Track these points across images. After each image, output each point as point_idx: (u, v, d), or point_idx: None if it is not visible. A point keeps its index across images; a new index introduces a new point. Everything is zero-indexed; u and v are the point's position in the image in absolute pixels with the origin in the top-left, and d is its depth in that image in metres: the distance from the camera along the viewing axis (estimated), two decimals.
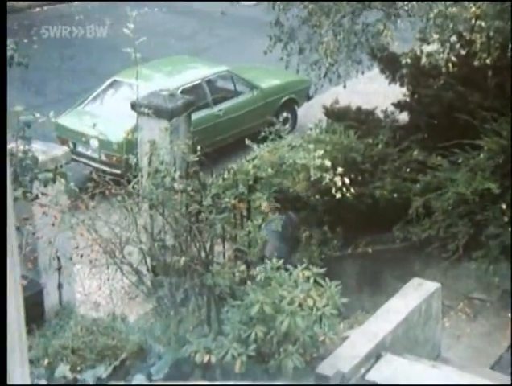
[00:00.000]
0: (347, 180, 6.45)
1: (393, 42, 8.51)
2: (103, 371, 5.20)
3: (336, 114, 9.15)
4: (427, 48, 8.14)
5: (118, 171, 6.59)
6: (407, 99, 9.03)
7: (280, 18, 8.69)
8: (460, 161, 7.89)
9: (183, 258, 5.47)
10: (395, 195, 8.00)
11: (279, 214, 6.13)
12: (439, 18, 7.34)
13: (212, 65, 11.61)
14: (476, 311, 7.80)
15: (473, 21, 7.27)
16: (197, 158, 6.05)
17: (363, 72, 9.14)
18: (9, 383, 1.37)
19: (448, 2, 7.20)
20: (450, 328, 7.52)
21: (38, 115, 5.09)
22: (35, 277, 6.48)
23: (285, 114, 11.80)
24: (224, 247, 6.75)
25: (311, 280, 5.20)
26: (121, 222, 5.76)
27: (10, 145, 4.73)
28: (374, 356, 5.46)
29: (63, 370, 5.15)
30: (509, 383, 5.58)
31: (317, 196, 7.88)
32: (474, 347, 7.35)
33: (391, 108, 9.18)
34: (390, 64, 8.99)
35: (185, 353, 5.08)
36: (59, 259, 6.47)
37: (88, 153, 10.32)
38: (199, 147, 6.16)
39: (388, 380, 5.26)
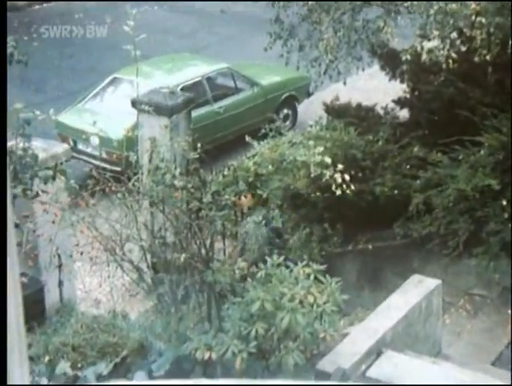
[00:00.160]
0: (347, 177, 6.45)
1: (393, 38, 8.49)
2: (104, 368, 5.20)
3: (336, 111, 9.14)
4: (428, 45, 8.13)
5: (119, 169, 6.59)
6: (408, 95, 9.02)
7: (280, 15, 8.68)
8: (460, 157, 7.89)
9: (183, 255, 5.47)
10: (396, 192, 7.99)
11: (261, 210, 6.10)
12: (440, 15, 7.33)
13: (213, 62, 11.60)
14: (476, 308, 7.81)
15: (473, 17, 7.26)
16: (197, 155, 6.06)
17: (363, 69, 9.13)
18: (9, 382, 1.37)
19: None
20: (451, 325, 7.52)
21: (38, 112, 5.09)
22: (35, 274, 6.49)
23: (285, 111, 11.80)
24: (224, 244, 6.76)
25: (312, 277, 5.20)
26: (122, 219, 5.77)
27: (10, 143, 4.73)
28: (375, 353, 5.47)
29: (63, 367, 5.16)
30: (510, 380, 5.58)
31: (317, 193, 7.87)
32: (475, 344, 7.35)
33: (391, 105, 9.17)
34: (390, 61, 8.98)
35: (186, 350, 5.09)
36: (59, 256, 6.47)
37: (89, 150, 10.32)
38: (199, 144, 6.16)
39: (389, 377, 5.27)
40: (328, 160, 6.31)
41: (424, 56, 8.05)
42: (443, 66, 7.90)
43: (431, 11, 7.37)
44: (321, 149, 6.41)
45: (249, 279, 5.38)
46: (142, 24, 6.38)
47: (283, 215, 7.32)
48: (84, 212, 5.63)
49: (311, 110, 11.33)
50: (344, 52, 8.47)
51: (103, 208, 5.90)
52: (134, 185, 5.78)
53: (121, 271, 5.86)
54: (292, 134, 7.64)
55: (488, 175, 7.52)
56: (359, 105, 9.23)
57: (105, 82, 11.02)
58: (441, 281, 6.31)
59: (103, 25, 13.16)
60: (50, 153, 6.29)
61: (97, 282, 7.23)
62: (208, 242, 5.74)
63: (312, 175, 6.55)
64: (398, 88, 9.20)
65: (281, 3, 8.49)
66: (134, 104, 7.77)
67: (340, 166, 6.38)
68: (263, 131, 7.32)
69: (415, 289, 6.09)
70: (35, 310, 6.16)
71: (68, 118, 10.57)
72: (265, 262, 5.31)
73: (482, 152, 7.77)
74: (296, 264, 5.34)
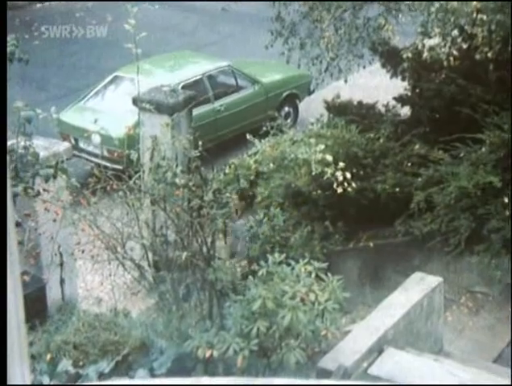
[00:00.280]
0: (348, 175, 6.46)
1: (394, 36, 8.49)
2: (105, 366, 5.21)
3: (337, 109, 9.13)
4: (429, 42, 8.12)
5: (120, 167, 6.59)
6: (409, 93, 9.00)
7: (281, 13, 8.68)
8: (461, 155, 7.88)
9: (184, 253, 5.47)
10: (397, 190, 7.99)
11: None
12: (441, 12, 7.32)
13: (214, 60, 11.59)
14: (478, 305, 7.81)
15: (475, 15, 7.24)
16: (198, 154, 6.06)
17: (364, 67, 9.13)
18: (9, 382, 1.37)
19: None
20: (452, 322, 7.52)
21: (39, 111, 5.09)
22: (37, 272, 6.49)
23: (286, 109, 11.79)
24: (225, 242, 6.76)
25: (313, 274, 5.20)
26: (123, 217, 5.77)
27: (11, 141, 4.73)
28: (376, 350, 5.47)
29: (65, 365, 5.16)
30: (511, 379, 5.57)
31: (319, 191, 7.87)
32: (476, 341, 7.35)
33: (393, 103, 9.16)
34: (391, 58, 8.96)
35: (187, 348, 5.09)
36: (61, 254, 6.48)
37: (90, 148, 10.32)
38: (200, 142, 6.16)
39: (390, 374, 5.27)
40: (330, 158, 6.32)
41: (425, 54, 8.04)
42: (445, 63, 7.89)
43: (432, 9, 7.36)
44: (322, 147, 6.42)
45: (250, 277, 5.38)
46: (143, 22, 6.38)
47: (285, 213, 7.33)
48: (85, 210, 5.63)
49: (312, 108, 11.32)
50: (345, 50, 8.47)
51: (104, 206, 5.90)
52: (135, 183, 5.79)
53: (122, 269, 5.87)
54: (293, 132, 7.65)
55: (489, 173, 7.51)
56: (360, 103, 9.23)
57: (106, 80, 11.02)
58: (443, 278, 6.31)
59: (104, 23, 13.16)
60: (51, 152, 6.29)
61: (99, 280, 7.25)
62: (209, 240, 5.75)
63: (313, 173, 6.56)
64: (399, 86, 9.19)
65: (282, 1, 8.49)
66: (135, 102, 7.76)
67: (341, 164, 6.39)
68: (264, 129, 7.32)
69: (417, 287, 6.09)
70: (36, 308, 6.17)
71: (70, 116, 10.58)
72: (266, 260, 5.32)
73: (483, 149, 7.76)
74: (298, 262, 5.35)
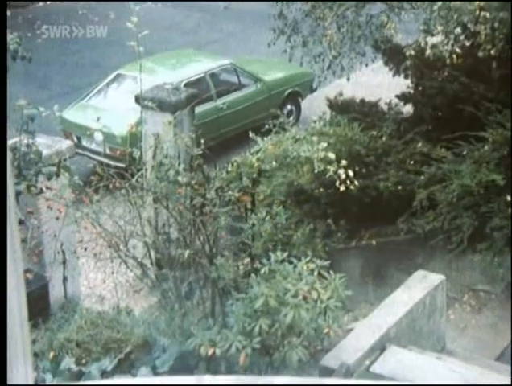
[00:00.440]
0: (351, 173, 6.45)
1: (396, 34, 8.48)
2: (108, 363, 5.22)
3: (339, 106, 9.12)
4: (432, 40, 8.11)
5: (122, 165, 6.61)
6: (411, 91, 8.99)
7: (283, 10, 8.67)
8: (464, 153, 7.87)
9: (187, 251, 5.47)
10: (399, 188, 7.98)
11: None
12: (443, 10, 7.30)
13: (216, 58, 11.58)
14: (480, 303, 7.80)
15: (477, 12, 7.23)
16: (201, 152, 6.06)
17: (367, 64, 9.11)
18: (11, 380, 1.38)
19: None
20: (455, 320, 7.51)
21: (42, 109, 5.10)
22: (40, 270, 6.50)
23: (289, 107, 11.78)
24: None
25: (316, 272, 5.20)
26: (126, 215, 5.78)
27: (14, 139, 4.74)
28: (379, 348, 5.47)
29: (68, 363, 5.17)
30: (510, 378, 5.56)
31: (321, 189, 7.86)
32: (479, 339, 7.35)
33: (395, 101, 9.14)
34: (394, 56, 8.95)
35: (190, 346, 5.09)
36: (63, 252, 6.49)
37: (93, 146, 10.33)
38: (202, 140, 6.16)
39: (392, 372, 5.27)
40: (332, 156, 6.31)
41: (428, 51, 8.03)
42: (447, 61, 7.88)
43: (435, 6, 7.35)
44: (325, 144, 6.41)
45: (252, 275, 5.38)
46: (146, 20, 6.38)
47: (287, 211, 7.32)
48: (87, 208, 5.64)
49: (314, 106, 11.31)
50: (347, 48, 8.46)
51: (107, 204, 5.91)
52: (137, 181, 5.79)
53: (125, 267, 5.87)
54: (296, 130, 7.64)
55: (492, 171, 7.50)
56: (363, 101, 9.21)
57: (108, 78, 11.02)
58: (445, 276, 6.30)
59: (106, 21, 13.16)
60: (54, 150, 6.30)
61: (101, 278, 7.26)
62: (211, 238, 5.75)
63: (316, 171, 6.55)
64: (402, 84, 9.18)
65: None
66: (137, 100, 7.77)
67: (343, 162, 6.38)
68: (267, 127, 7.32)
69: (419, 285, 6.09)
70: (39, 306, 6.18)
71: (72, 114, 10.58)
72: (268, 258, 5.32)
73: (486, 147, 7.75)
74: (300, 260, 5.34)
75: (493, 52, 7.47)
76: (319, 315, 5.05)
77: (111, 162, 8.87)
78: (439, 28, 7.55)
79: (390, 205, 7.99)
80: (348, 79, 8.88)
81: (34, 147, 4.87)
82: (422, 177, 7.96)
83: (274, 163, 7.27)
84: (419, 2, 7.86)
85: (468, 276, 7.94)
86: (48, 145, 6.26)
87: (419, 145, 8.28)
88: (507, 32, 7.34)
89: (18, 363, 1.39)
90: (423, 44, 8.16)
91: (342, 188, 6.47)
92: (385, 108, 9.15)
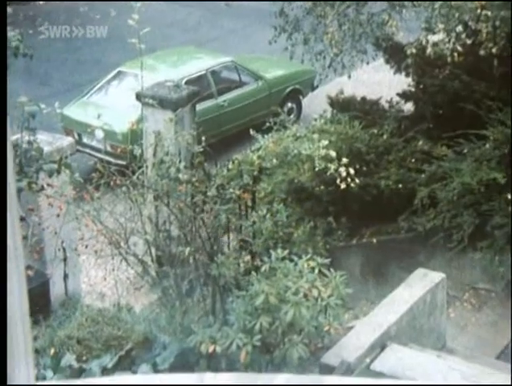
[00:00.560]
0: (352, 170, 6.45)
1: (398, 32, 8.47)
2: (108, 360, 5.22)
3: (340, 104, 9.12)
4: (433, 38, 8.10)
5: (123, 162, 6.60)
6: (412, 89, 8.99)
7: (285, 8, 8.67)
8: (465, 151, 7.86)
9: (188, 249, 5.48)
10: (400, 186, 7.98)
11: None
12: (445, 8, 7.29)
13: (217, 56, 11.58)
14: (481, 301, 7.80)
15: (479, 10, 7.22)
16: (202, 149, 6.06)
17: (368, 62, 9.11)
18: (12, 379, 1.38)
19: None
20: (455, 318, 7.52)
21: (43, 106, 5.10)
22: (40, 267, 6.51)
23: (289, 104, 11.77)
24: (229, 237, 6.76)
25: (316, 270, 5.20)
26: (126, 213, 5.78)
27: (16, 136, 4.74)
28: (379, 346, 5.47)
29: (69, 359, 5.18)
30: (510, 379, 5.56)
31: (322, 187, 7.86)
32: (479, 337, 7.35)
33: (396, 99, 9.14)
34: (395, 54, 8.95)
35: (190, 343, 5.10)
36: (64, 250, 6.49)
37: (93, 143, 10.32)
38: (203, 138, 6.16)
39: (393, 370, 5.28)
40: (333, 154, 6.31)
41: (429, 50, 8.02)
42: (449, 59, 7.87)
43: (436, 4, 7.34)
44: (326, 142, 6.41)
45: (253, 272, 5.38)
46: (147, 18, 6.37)
47: (288, 209, 7.32)
48: (88, 206, 5.64)
49: (315, 104, 11.30)
50: (348, 46, 8.45)
51: (108, 202, 5.91)
52: (138, 178, 5.79)
53: (125, 264, 5.88)
54: (296, 128, 7.64)
55: (493, 169, 7.50)
56: (364, 99, 9.21)
57: (109, 75, 11.01)
58: (446, 274, 6.30)
59: (108, 18, 13.14)
60: (55, 147, 6.30)
61: (102, 275, 7.25)
62: (212, 236, 5.75)
63: (317, 169, 6.55)
64: (403, 82, 9.17)
65: None
66: (138, 97, 7.76)
67: (344, 160, 6.38)
68: (267, 124, 7.31)
69: (420, 283, 6.09)
70: (40, 303, 6.19)
71: (73, 111, 10.58)
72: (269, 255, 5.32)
73: (487, 146, 7.75)
74: (301, 257, 5.35)
75: (494, 50, 7.47)
76: (319, 313, 5.06)
77: (112, 160, 8.86)
78: (441, 26, 7.55)
79: (391, 203, 7.99)
80: (349, 77, 8.88)
81: (35, 144, 4.87)
82: (423, 175, 7.96)
83: (274, 161, 7.26)
84: (420, 0, 7.85)
85: (468, 274, 7.94)
86: (49, 142, 6.26)
87: (420, 143, 8.28)
88: (508, 30, 7.33)
89: (20, 361, 1.39)
90: (424, 42, 8.15)
91: (343, 186, 6.47)
92: (386, 106, 9.14)
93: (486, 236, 7.52)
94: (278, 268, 5.23)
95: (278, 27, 8.73)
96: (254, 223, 5.78)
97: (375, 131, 8.51)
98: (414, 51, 8.05)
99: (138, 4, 6.16)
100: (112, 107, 10.27)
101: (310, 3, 8.45)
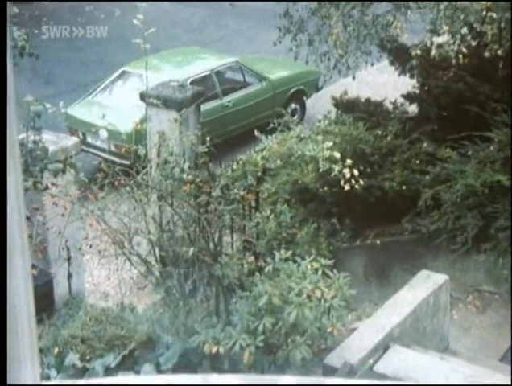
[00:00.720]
0: (356, 172, 6.44)
1: (402, 33, 8.46)
2: (112, 360, 5.23)
3: (345, 105, 9.12)
4: (438, 40, 8.10)
5: (127, 162, 6.60)
6: (417, 90, 8.98)
7: (289, 9, 8.67)
8: (469, 153, 7.86)
9: (191, 249, 5.48)
10: (404, 187, 7.97)
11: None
12: (450, 10, 7.29)
13: (222, 56, 11.59)
14: (485, 304, 7.79)
15: (484, 12, 7.21)
16: (206, 149, 6.06)
17: (372, 64, 9.10)
18: (17, 379, 1.38)
19: None
20: (459, 320, 7.51)
21: (48, 105, 5.10)
22: (44, 266, 6.52)
23: (293, 105, 11.77)
24: (232, 238, 6.76)
25: (320, 271, 5.20)
26: (130, 212, 5.79)
27: (21, 136, 4.74)
28: (382, 348, 5.47)
29: (72, 359, 5.19)
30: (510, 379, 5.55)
31: (326, 188, 7.86)
32: (483, 340, 7.34)
33: (400, 100, 9.13)
34: (399, 56, 8.94)
35: (193, 343, 5.10)
36: (68, 249, 6.50)
37: (98, 143, 10.34)
38: (208, 138, 6.17)
39: (396, 372, 5.27)
40: (337, 155, 6.31)
41: (434, 51, 8.02)
42: (453, 61, 7.86)
43: (441, 6, 7.33)
44: (330, 143, 6.41)
45: (257, 273, 5.39)
46: (152, 18, 6.39)
47: (291, 210, 7.32)
48: (93, 205, 5.65)
49: (319, 105, 11.30)
50: (353, 47, 8.44)
51: (112, 201, 5.92)
52: (142, 178, 5.80)
53: (129, 264, 5.88)
54: (300, 129, 7.63)
55: (497, 171, 7.49)
56: (368, 100, 9.20)
57: (114, 75, 11.03)
58: (449, 276, 6.30)
59: (112, 18, 13.16)
60: (60, 146, 6.31)
61: (106, 275, 7.27)
62: (216, 236, 5.75)
63: (321, 170, 6.55)
64: (408, 83, 9.16)
65: None
66: (142, 97, 7.77)
67: (348, 161, 6.38)
68: (272, 125, 7.31)
69: (423, 285, 6.08)
70: (44, 302, 6.20)
71: (78, 111, 10.60)
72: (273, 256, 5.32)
73: (492, 148, 7.74)
74: (304, 258, 5.35)
75: (499, 52, 7.46)
76: (322, 314, 5.06)
77: (116, 159, 8.88)
78: (446, 28, 7.54)
79: (395, 204, 7.98)
80: (353, 78, 8.87)
81: (40, 144, 4.88)
82: (427, 177, 7.95)
83: (278, 162, 7.26)
84: (425, 2, 7.84)
85: (472, 276, 7.93)
86: (54, 141, 6.27)
87: (424, 144, 8.27)
88: None
89: (25, 360, 1.40)
90: (429, 44, 8.15)
91: (347, 187, 6.46)
92: (390, 107, 9.13)
93: (490, 238, 7.51)
94: (281, 269, 5.23)
95: (282, 28, 8.72)
96: (258, 223, 5.78)
97: (379, 132, 8.50)
98: (418, 52, 8.04)
99: (143, 4, 6.17)
100: (116, 107, 10.28)
101: (315, 4, 8.45)
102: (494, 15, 7.16)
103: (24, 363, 1.40)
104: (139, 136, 7.66)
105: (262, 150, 7.56)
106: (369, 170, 8.03)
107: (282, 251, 5.37)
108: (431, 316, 6.08)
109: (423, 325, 5.99)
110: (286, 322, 4.96)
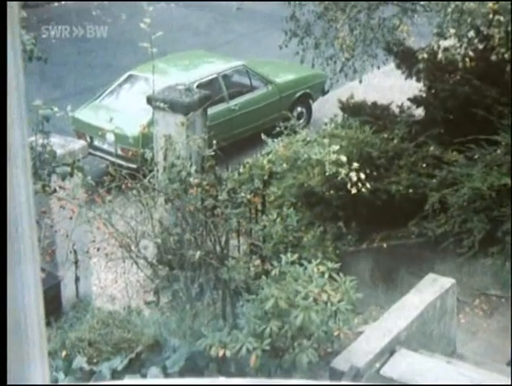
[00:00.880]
0: (362, 175, 6.46)
1: (409, 37, 8.46)
2: (119, 363, 5.24)
3: (351, 109, 9.12)
4: (444, 43, 8.09)
5: (134, 165, 6.63)
6: (424, 94, 8.97)
7: (296, 12, 8.68)
8: (476, 156, 7.84)
9: (198, 252, 5.49)
10: (411, 191, 7.96)
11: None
12: (457, 13, 7.28)
13: (228, 60, 11.61)
14: (492, 307, 7.77)
15: (491, 16, 7.21)
16: (213, 153, 6.07)
17: (379, 67, 9.10)
18: (28, 381, 1.39)
19: None
20: (466, 324, 7.49)
21: (56, 109, 5.13)
22: (52, 269, 6.54)
23: (299, 109, 11.78)
24: (239, 241, 6.77)
25: (326, 275, 5.20)
26: (137, 216, 5.80)
27: (30, 139, 4.77)
28: (389, 351, 5.46)
29: (80, 362, 5.20)
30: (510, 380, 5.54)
31: (332, 191, 7.86)
32: (490, 343, 7.32)
33: (407, 103, 9.13)
34: (406, 59, 8.94)
35: (200, 347, 5.11)
36: (76, 252, 6.52)
37: (105, 147, 10.37)
38: (214, 141, 6.18)
39: (402, 376, 5.26)
40: (344, 158, 6.32)
41: (440, 55, 8.01)
42: (460, 64, 7.85)
43: (448, 9, 7.33)
44: (336, 147, 6.42)
45: (263, 276, 5.39)
46: (158, 21, 6.41)
47: (298, 213, 7.32)
48: (100, 209, 5.67)
49: (325, 108, 11.30)
50: (359, 50, 8.45)
51: (119, 205, 5.94)
52: (149, 182, 5.81)
53: (136, 267, 5.90)
54: (306, 132, 7.65)
55: (504, 175, 7.47)
56: (374, 104, 9.20)
57: (121, 79, 11.06)
58: (456, 280, 6.28)
59: (119, 22, 13.22)
60: (67, 150, 6.33)
61: (113, 278, 7.29)
62: (223, 239, 5.76)
63: (327, 173, 6.56)
64: (414, 87, 9.16)
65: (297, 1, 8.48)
66: (149, 101, 7.79)
67: (355, 165, 6.39)
68: (278, 129, 7.33)
69: (430, 288, 6.08)
70: (51, 305, 6.21)
71: (85, 115, 10.63)
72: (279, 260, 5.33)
73: (499, 151, 7.72)
74: (310, 262, 5.35)
75: (506, 56, 7.44)
76: (329, 318, 5.06)
77: (123, 163, 8.91)
78: (452, 31, 7.53)
79: (402, 208, 7.97)
80: (360, 81, 8.87)
81: (48, 147, 4.91)
82: (433, 180, 7.94)
83: (284, 165, 7.27)
84: (432, 5, 7.84)
85: (479, 280, 7.90)
86: (61, 145, 6.29)
87: (431, 148, 8.26)
88: None
89: (35, 363, 1.41)
90: (435, 48, 8.14)
91: (353, 191, 6.47)
92: (396, 110, 9.13)
93: (497, 241, 7.48)
94: (288, 273, 5.23)
95: (289, 32, 8.74)
96: (265, 227, 5.79)
97: (386, 136, 8.50)
98: (425, 56, 8.04)
99: (150, 8, 6.20)
100: (123, 110, 10.31)
101: (321, 8, 8.46)
102: (501, 18, 7.16)
103: (34, 365, 1.41)
104: (146, 139, 7.68)
105: (269, 154, 7.57)
106: (375, 173, 8.02)
107: (289, 254, 5.38)
108: (438, 320, 6.07)
109: (429, 329, 5.98)
110: (293, 326, 4.96)
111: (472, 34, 7.53)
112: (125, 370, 5.23)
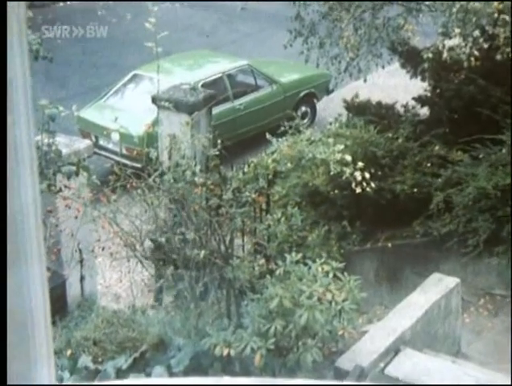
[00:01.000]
0: (367, 175, 6.45)
1: (414, 36, 8.45)
2: (123, 362, 5.25)
3: (356, 108, 9.11)
4: (449, 43, 8.08)
5: (139, 165, 6.63)
6: (428, 93, 8.96)
7: (301, 12, 8.68)
8: (481, 156, 7.83)
9: (203, 251, 5.50)
10: (415, 190, 7.95)
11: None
12: (462, 13, 7.27)
13: (233, 59, 11.62)
14: (497, 307, 7.76)
15: (496, 15, 7.19)
16: (218, 152, 6.08)
17: (383, 67, 9.09)
18: (34, 380, 1.40)
19: None
20: (470, 324, 7.48)
21: (61, 108, 5.15)
22: (57, 269, 6.56)
23: (303, 108, 11.78)
24: (243, 241, 6.78)
25: (331, 274, 5.21)
26: (142, 215, 5.81)
27: (36, 139, 4.79)
28: (393, 351, 5.46)
29: (85, 361, 5.22)
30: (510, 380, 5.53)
31: (336, 190, 7.86)
32: (495, 343, 7.31)
33: (412, 103, 9.12)
34: (411, 59, 8.93)
35: (205, 346, 5.12)
36: (81, 251, 6.54)
37: (110, 146, 10.39)
38: (219, 141, 6.19)
39: (407, 375, 5.27)
40: (348, 158, 6.31)
41: (445, 54, 8.00)
42: (465, 64, 7.84)
43: (453, 9, 7.32)
44: (341, 146, 6.41)
45: (268, 276, 5.39)
46: (163, 21, 6.42)
47: (302, 213, 7.32)
48: (105, 208, 5.68)
49: (330, 107, 11.30)
50: (364, 50, 8.45)
51: (124, 204, 5.95)
52: (154, 181, 5.83)
53: (140, 266, 5.91)
54: (311, 132, 7.64)
55: (509, 174, 7.46)
56: (379, 103, 9.19)
57: (125, 78, 11.08)
58: (461, 279, 6.28)
59: (124, 22, 13.24)
60: (73, 149, 6.35)
61: (117, 277, 7.31)
62: (227, 239, 5.77)
63: (332, 173, 6.55)
64: (419, 86, 9.15)
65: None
66: (154, 100, 7.80)
67: (360, 164, 6.38)
68: (282, 128, 7.32)
69: (435, 288, 6.07)
70: (57, 304, 6.23)
71: (90, 114, 10.66)
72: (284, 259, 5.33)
73: (503, 150, 7.71)
74: (315, 261, 5.35)
75: (511, 55, 7.43)
76: (333, 317, 5.06)
77: (128, 162, 8.91)
78: (457, 31, 7.52)
79: (406, 207, 7.97)
80: (364, 81, 8.87)
81: (54, 146, 4.92)
82: (438, 180, 7.93)
83: (289, 164, 7.27)
84: (437, 5, 7.83)
85: (484, 279, 7.89)
86: (67, 144, 6.31)
87: (436, 147, 8.25)
88: None
89: (42, 362, 1.41)
90: (440, 47, 8.13)
91: (358, 190, 6.46)
92: (401, 110, 9.12)
93: (502, 241, 7.47)
94: (292, 272, 5.23)
95: (293, 31, 8.74)
96: (269, 226, 5.80)
97: (390, 135, 8.49)
98: (430, 55, 8.03)
99: (155, 8, 6.21)
100: (128, 110, 10.33)
101: (326, 7, 8.46)
102: (507, 18, 7.14)
103: (40, 364, 1.42)
104: (151, 139, 7.69)
105: (273, 153, 7.57)
106: (380, 172, 8.01)
107: (293, 254, 5.38)
108: (443, 319, 6.07)
109: (434, 328, 5.98)
110: (297, 325, 4.96)
111: (477, 33, 7.51)
112: (130, 369, 5.24)
